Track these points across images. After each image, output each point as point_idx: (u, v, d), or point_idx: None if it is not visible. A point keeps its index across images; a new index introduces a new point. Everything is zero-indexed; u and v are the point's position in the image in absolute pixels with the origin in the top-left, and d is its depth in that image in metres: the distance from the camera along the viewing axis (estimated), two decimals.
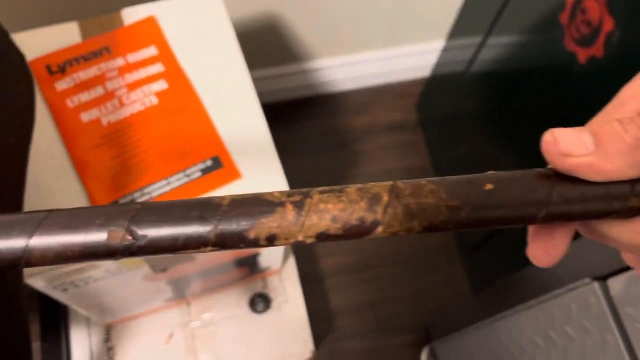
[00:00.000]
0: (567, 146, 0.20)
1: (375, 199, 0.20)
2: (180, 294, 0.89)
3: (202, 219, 0.20)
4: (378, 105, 1.36)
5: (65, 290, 0.65)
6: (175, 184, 0.61)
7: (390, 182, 0.21)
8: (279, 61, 1.22)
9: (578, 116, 0.68)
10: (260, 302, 0.97)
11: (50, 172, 0.60)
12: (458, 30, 1.06)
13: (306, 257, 1.18)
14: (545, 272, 0.69)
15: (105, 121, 0.63)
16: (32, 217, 0.19)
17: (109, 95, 0.64)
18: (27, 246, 0.19)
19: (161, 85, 0.65)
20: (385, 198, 0.20)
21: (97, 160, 0.61)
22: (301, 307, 0.97)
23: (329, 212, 0.20)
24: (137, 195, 0.60)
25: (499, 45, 0.90)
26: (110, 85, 0.64)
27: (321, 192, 0.20)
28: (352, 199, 0.20)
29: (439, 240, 1.24)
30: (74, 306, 0.73)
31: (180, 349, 0.92)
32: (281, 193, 0.20)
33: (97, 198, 0.59)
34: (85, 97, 0.63)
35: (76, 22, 0.67)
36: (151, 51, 0.67)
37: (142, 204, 0.20)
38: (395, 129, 1.34)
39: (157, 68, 0.66)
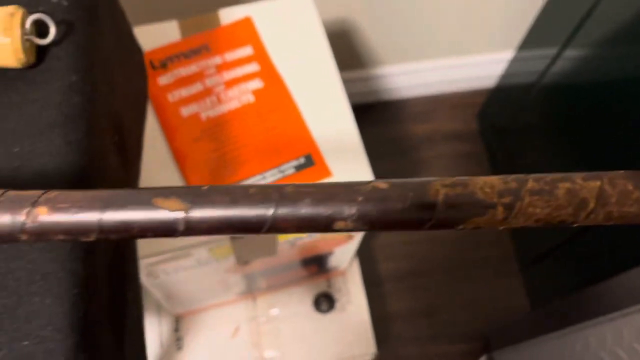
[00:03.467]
0: None
1: (581, 205, 0.20)
2: (250, 288, 0.91)
3: (418, 211, 0.21)
4: (438, 113, 1.37)
5: (156, 277, 0.67)
6: (270, 179, 0.63)
7: (598, 183, 0.21)
8: (344, 67, 1.24)
9: None
10: (324, 302, 0.98)
11: (151, 162, 0.63)
12: (530, 41, 1.06)
13: (365, 260, 1.19)
14: (607, 293, 0.69)
15: (203, 116, 0.65)
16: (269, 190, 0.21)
17: (208, 91, 0.66)
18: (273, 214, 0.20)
19: (257, 84, 0.67)
20: (592, 205, 0.20)
21: (195, 153, 0.63)
22: (364, 309, 0.99)
23: (535, 215, 0.21)
24: None
25: (576, 57, 0.90)
26: (208, 82, 0.67)
27: (532, 193, 0.21)
28: (560, 204, 0.21)
29: (496, 249, 1.23)
30: (156, 293, 0.75)
31: (246, 343, 0.94)
32: (492, 189, 0.21)
33: None
34: (185, 92, 0.66)
35: (176, 21, 0.70)
36: (247, 50, 0.69)
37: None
38: (455, 138, 1.34)
39: (253, 67, 0.68)
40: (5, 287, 0.31)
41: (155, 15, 0.79)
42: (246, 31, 0.70)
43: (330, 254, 0.84)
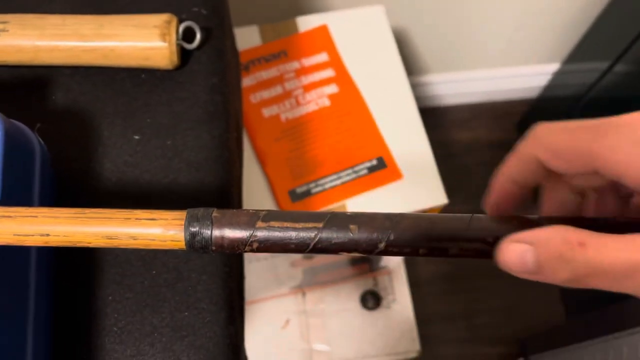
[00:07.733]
0: (509, 263, 0.22)
1: None
2: (302, 283, 0.95)
3: None
4: (479, 121, 1.40)
5: None
6: (345, 179, 0.67)
7: None
8: None
9: None
10: (371, 299, 1.01)
11: None
12: (579, 54, 1.09)
13: (406, 261, 1.22)
14: None
15: (283, 117, 0.69)
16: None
17: (287, 94, 0.70)
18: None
19: (332, 89, 0.71)
20: None
21: (276, 152, 0.67)
22: (409, 308, 1.02)
23: None
24: (312, 185, 0.66)
25: (628, 72, 0.93)
26: (287, 85, 0.71)
27: None
28: None
29: None
30: None
31: (295, 335, 0.98)
32: None
33: (275, 185, 0.66)
34: (266, 94, 0.70)
35: (256, 26, 0.74)
36: (323, 57, 0.73)
37: None
38: (495, 146, 1.37)
39: (328, 73, 0.72)
40: (165, 264, 0.35)
41: (236, 19, 0.84)
42: (322, 38, 0.74)
43: None
